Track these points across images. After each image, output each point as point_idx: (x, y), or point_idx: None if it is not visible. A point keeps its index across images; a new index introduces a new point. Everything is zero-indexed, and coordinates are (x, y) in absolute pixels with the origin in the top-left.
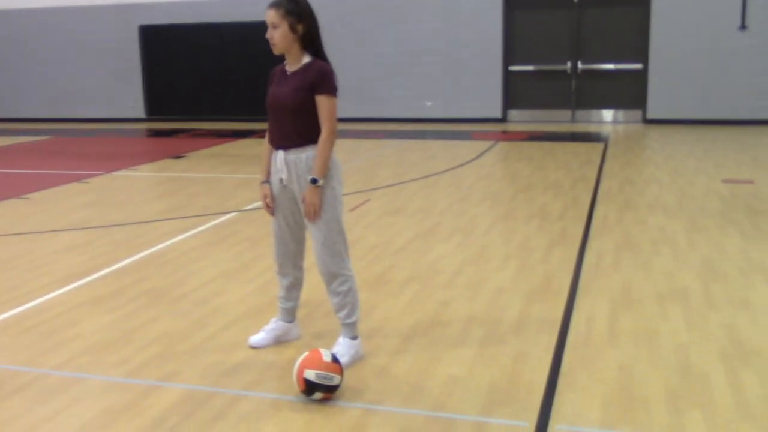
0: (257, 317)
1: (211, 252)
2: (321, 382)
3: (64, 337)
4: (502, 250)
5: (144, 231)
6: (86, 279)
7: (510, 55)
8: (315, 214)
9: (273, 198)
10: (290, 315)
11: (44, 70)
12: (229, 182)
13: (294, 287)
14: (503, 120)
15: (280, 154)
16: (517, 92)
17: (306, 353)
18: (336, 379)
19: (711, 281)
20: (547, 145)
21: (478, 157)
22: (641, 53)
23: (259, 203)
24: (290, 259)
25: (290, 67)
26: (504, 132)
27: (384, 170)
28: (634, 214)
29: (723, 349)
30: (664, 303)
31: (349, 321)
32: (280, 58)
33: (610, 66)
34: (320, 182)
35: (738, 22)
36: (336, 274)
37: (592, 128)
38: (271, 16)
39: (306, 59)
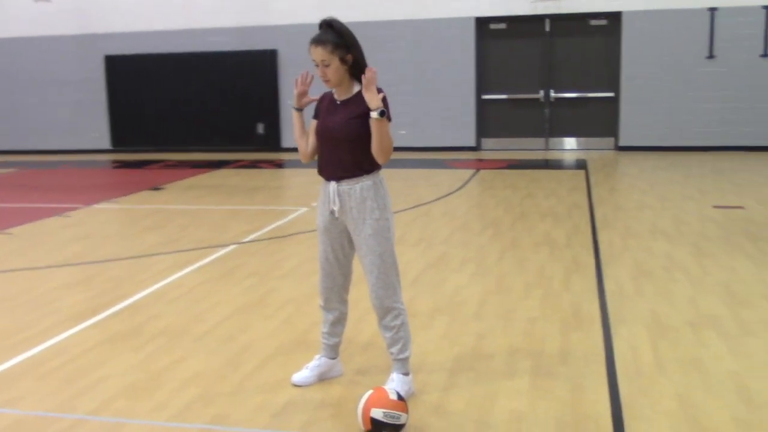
0: (291, 354)
1: (221, 287)
2: (388, 421)
3: (90, 380)
4: (520, 279)
5: (144, 266)
6: (97, 318)
7: (483, 83)
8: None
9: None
10: (334, 351)
11: (5, 101)
12: (218, 214)
13: (339, 322)
14: (477, 148)
15: (332, 186)
16: (490, 120)
17: (370, 391)
18: (403, 418)
19: (737, 307)
20: (528, 173)
21: (464, 185)
22: (613, 82)
23: (260, 234)
24: (336, 293)
25: (340, 96)
26: (480, 160)
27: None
28: (637, 240)
29: None
30: (699, 331)
31: (402, 356)
32: (256, 91)
33: (583, 94)
34: (375, 116)
35: (706, 52)
36: (390, 308)
37: (566, 156)
38: (319, 54)
39: (357, 87)
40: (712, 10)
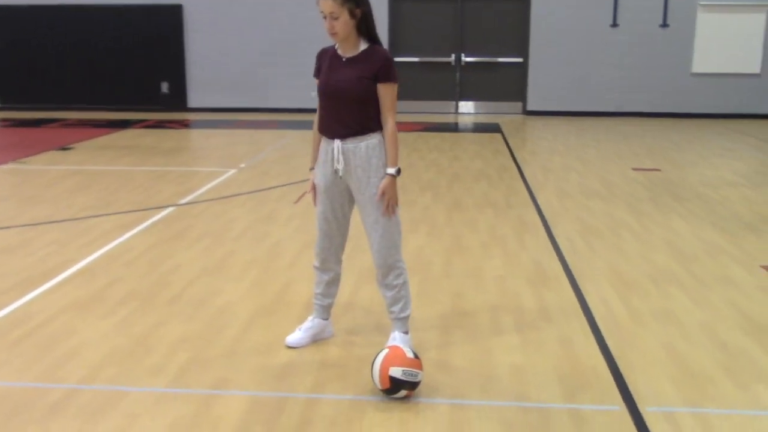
0: (271, 316)
1: (175, 250)
2: (407, 379)
3: (67, 348)
4: (475, 239)
5: (82, 229)
6: (50, 283)
7: (395, 46)
8: (392, 208)
9: (316, 188)
10: (327, 312)
11: None
12: (142, 175)
13: (334, 283)
14: None
15: (337, 144)
16: (401, 83)
17: (386, 350)
18: (420, 375)
19: (686, 262)
20: (447, 136)
21: None
22: (522, 47)
23: (196, 195)
24: (334, 254)
25: (345, 52)
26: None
27: (302, 160)
28: (573, 201)
29: (741, 324)
30: (661, 285)
31: (403, 315)
32: (160, 48)
33: (492, 59)
34: (400, 173)
35: (610, 20)
36: (393, 267)
37: (477, 119)
38: (329, 6)
39: (363, 45)
40: None
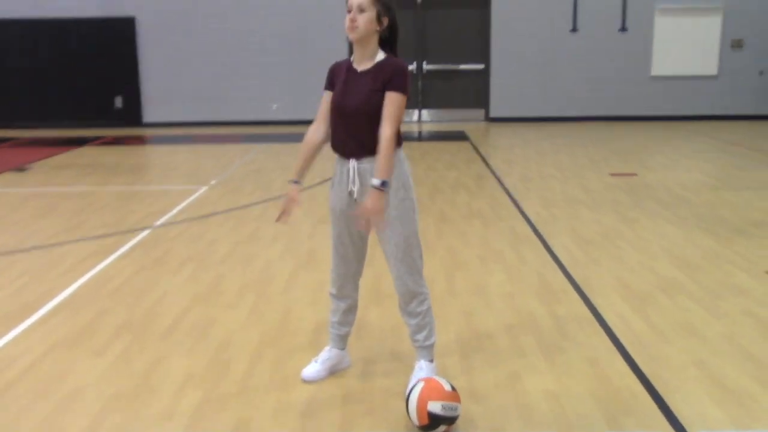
0: (278, 346)
1: (160, 276)
2: (447, 414)
3: (65, 393)
4: (471, 253)
5: (56, 257)
6: (32, 318)
7: None
8: (374, 225)
9: (293, 200)
10: (344, 342)
11: None
12: (108, 196)
13: (351, 311)
14: None
15: (352, 164)
16: None
17: (422, 384)
18: (459, 409)
19: (690, 271)
20: (415, 145)
21: None
22: (483, 54)
23: (170, 216)
24: (351, 280)
25: (360, 65)
26: None
27: (273, 175)
28: (560, 209)
29: (763, 334)
30: (672, 296)
31: (428, 343)
32: (114, 62)
33: (454, 66)
34: (388, 185)
35: (570, 26)
36: (415, 293)
37: (440, 127)
38: None
39: (380, 56)
40: None
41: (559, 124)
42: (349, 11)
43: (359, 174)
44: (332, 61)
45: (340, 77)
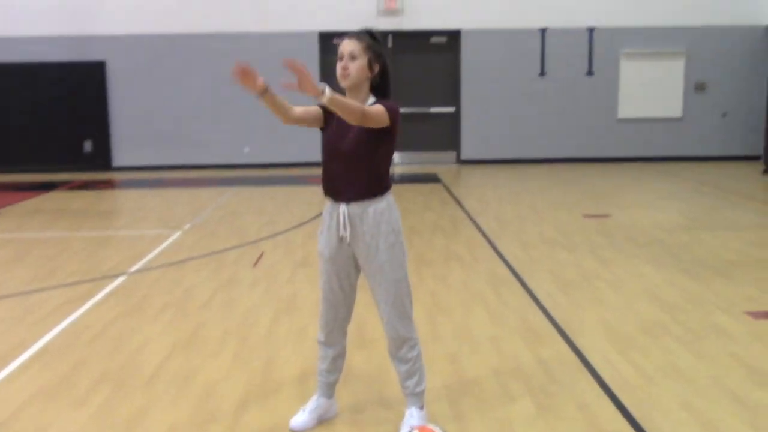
0: (265, 396)
1: (139, 323)
2: None
3: None
4: (454, 297)
5: (29, 305)
6: (6, 370)
7: None
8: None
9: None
10: (332, 389)
11: None
12: (81, 242)
13: (340, 357)
14: None
15: (342, 209)
16: None
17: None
18: None
19: (672, 311)
20: None
21: None
22: (454, 97)
23: (145, 262)
24: (339, 326)
25: None
26: None
27: (248, 219)
28: (537, 251)
29: (749, 376)
30: (657, 338)
31: (419, 389)
32: (83, 106)
33: (425, 109)
34: (326, 93)
35: (538, 69)
36: (405, 339)
37: (413, 170)
38: (351, 45)
39: (371, 101)
40: (543, 30)
41: (529, 165)
42: (341, 59)
43: (350, 219)
44: (303, 105)
45: (334, 116)
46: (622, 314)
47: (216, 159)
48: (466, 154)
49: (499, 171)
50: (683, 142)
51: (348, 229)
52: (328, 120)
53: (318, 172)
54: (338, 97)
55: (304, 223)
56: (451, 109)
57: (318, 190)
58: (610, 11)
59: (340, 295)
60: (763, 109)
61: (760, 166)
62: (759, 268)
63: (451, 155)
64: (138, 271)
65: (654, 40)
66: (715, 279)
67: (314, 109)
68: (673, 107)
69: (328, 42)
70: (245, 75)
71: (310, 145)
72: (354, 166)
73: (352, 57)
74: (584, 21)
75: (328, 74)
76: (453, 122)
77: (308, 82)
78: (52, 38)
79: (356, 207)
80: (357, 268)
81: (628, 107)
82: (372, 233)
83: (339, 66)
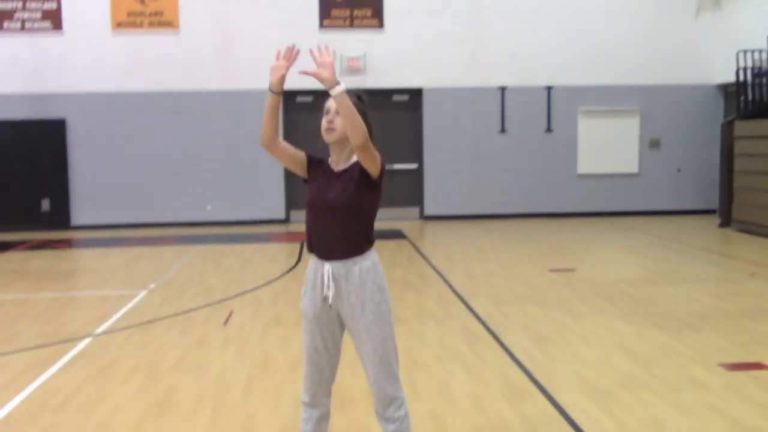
0: None
1: (109, 388)
2: None
3: None
4: (430, 353)
5: None
6: None
7: None
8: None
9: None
10: None
11: None
12: (42, 303)
13: (324, 418)
14: (286, 221)
15: (327, 268)
16: (299, 193)
17: None
18: None
19: (647, 365)
20: None
21: (300, 260)
22: (416, 154)
23: (111, 323)
24: (324, 387)
25: (337, 165)
26: (294, 233)
27: (214, 277)
28: (509, 306)
29: (730, 429)
30: (635, 391)
31: None
32: (42, 163)
33: (388, 166)
34: (341, 86)
35: (498, 127)
36: (393, 398)
37: (378, 226)
38: None
39: (355, 158)
40: (502, 88)
41: (491, 221)
42: (327, 113)
43: (335, 278)
44: (263, 163)
45: (320, 171)
46: (599, 368)
47: (177, 217)
48: (429, 210)
49: (462, 226)
50: (640, 197)
51: (332, 288)
52: (313, 174)
53: (281, 229)
54: (349, 99)
55: (271, 281)
56: (413, 166)
57: (283, 248)
58: (567, 70)
59: (325, 355)
60: (716, 165)
61: (714, 219)
62: (725, 320)
63: (414, 211)
64: (104, 333)
65: (610, 99)
66: (684, 331)
67: (299, 153)
68: (630, 163)
69: (292, 100)
70: (288, 58)
71: (272, 203)
72: (340, 220)
73: (338, 112)
74: (542, 80)
75: (291, 131)
76: (416, 178)
77: (329, 69)
78: (11, 96)
79: (341, 266)
80: (342, 327)
81: (587, 163)
82: (357, 293)
83: (324, 120)
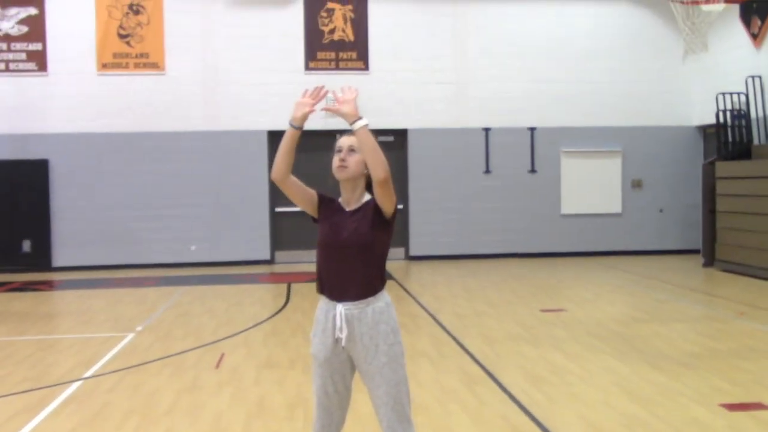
0: None
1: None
2: None
3: None
4: (428, 395)
5: None
6: None
7: (276, 196)
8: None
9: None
10: None
11: None
12: (27, 346)
13: None
14: (271, 261)
15: (339, 310)
16: (284, 233)
17: None
18: None
19: (649, 406)
20: None
21: (288, 300)
22: (401, 194)
23: (100, 366)
24: (334, 430)
25: (349, 205)
26: (277, 273)
27: (202, 319)
28: (503, 346)
29: None
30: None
31: None
32: (24, 204)
33: None
34: (363, 121)
35: (483, 167)
36: None
37: None
38: (352, 140)
39: (367, 197)
40: (486, 129)
41: (477, 261)
42: (339, 151)
43: (347, 320)
44: (248, 204)
45: (331, 210)
46: (601, 410)
47: (161, 257)
48: (414, 250)
49: (448, 267)
50: (623, 237)
51: (345, 331)
52: (325, 212)
53: (266, 270)
54: (371, 134)
55: (260, 322)
56: (399, 206)
57: (270, 289)
58: (550, 112)
59: (335, 399)
60: (697, 205)
61: (697, 259)
62: (718, 359)
63: (399, 251)
64: (94, 376)
65: (592, 140)
66: (681, 371)
67: (309, 191)
68: (613, 203)
69: (277, 141)
70: (315, 97)
71: (257, 243)
72: (353, 259)
73: (351, 150)
74: (526, 121)
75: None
76: (401, 219)
77: (351, 105)
78: None
79: (354, 307)
80: (352, 369)
81: (571, 203)
82: (371, 334)
83: (336, 158)
